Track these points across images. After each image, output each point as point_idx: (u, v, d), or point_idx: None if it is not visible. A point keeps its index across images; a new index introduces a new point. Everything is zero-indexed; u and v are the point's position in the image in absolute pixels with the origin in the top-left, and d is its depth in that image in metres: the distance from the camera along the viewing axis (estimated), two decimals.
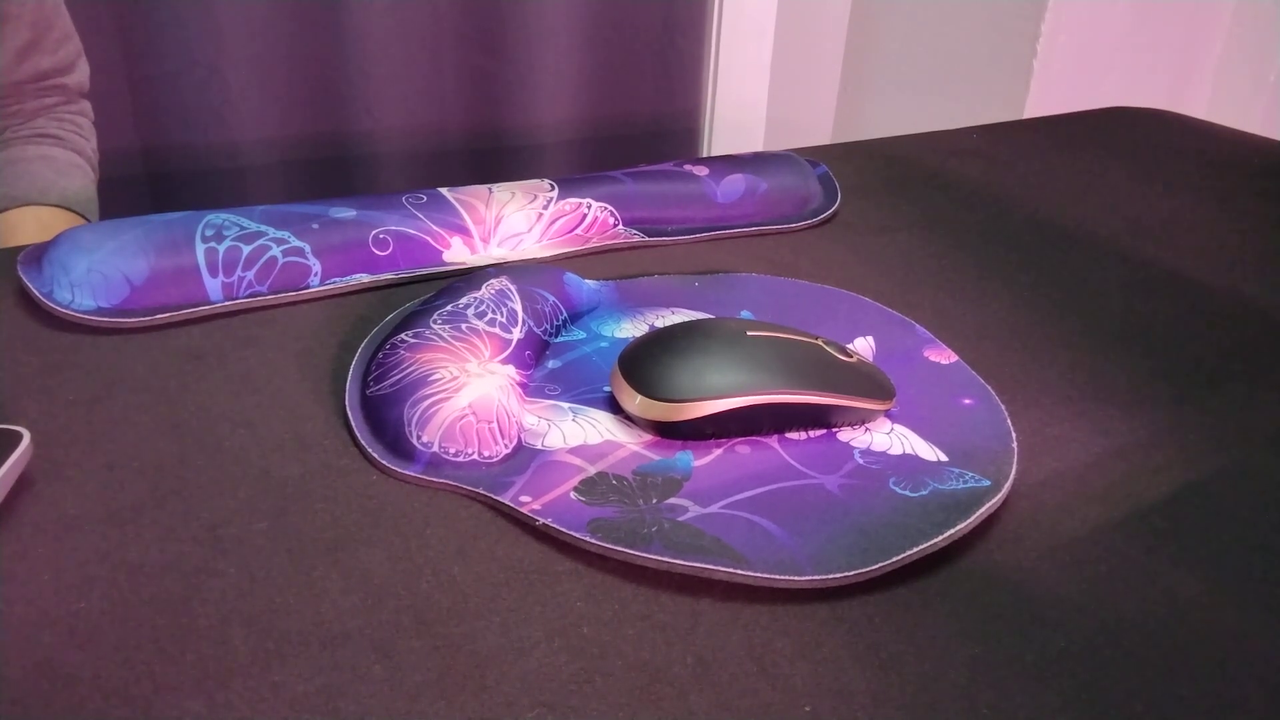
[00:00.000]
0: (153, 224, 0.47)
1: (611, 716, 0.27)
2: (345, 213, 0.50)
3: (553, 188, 0.55)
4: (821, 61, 1.48)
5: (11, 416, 0.38)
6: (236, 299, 0.47)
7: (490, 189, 0.55)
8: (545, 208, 0.54)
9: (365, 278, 0.49)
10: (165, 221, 0.47)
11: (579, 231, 0.55)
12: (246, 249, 0.47)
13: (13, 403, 0.39)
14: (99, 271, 0.45)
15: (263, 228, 0.48)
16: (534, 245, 0.54)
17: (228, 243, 0.47)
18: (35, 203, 0.70)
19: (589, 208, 0.55)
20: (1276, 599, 0.32)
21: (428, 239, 0.51)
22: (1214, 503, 0.37)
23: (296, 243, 0.48)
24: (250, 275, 0.47)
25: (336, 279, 0.49)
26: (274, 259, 0.47)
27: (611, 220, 0.56)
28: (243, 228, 0.47)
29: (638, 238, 0.56)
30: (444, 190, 0.54)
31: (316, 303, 0.48)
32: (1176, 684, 0.29)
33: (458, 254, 0.52)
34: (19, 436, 0.34)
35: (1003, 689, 0.29)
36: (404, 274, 0.50)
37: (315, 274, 0.48)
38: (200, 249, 0.46)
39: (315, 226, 0.49)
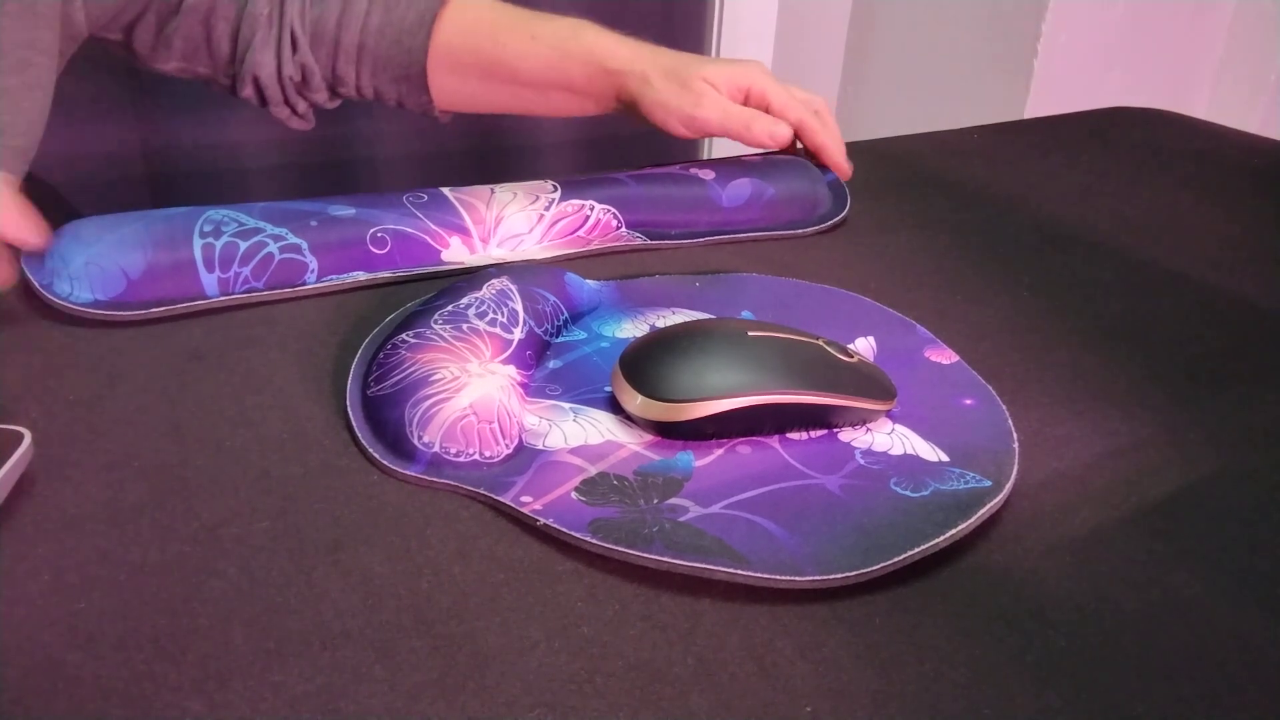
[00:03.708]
0: (153, 218, 0.47)
1: (611, 716, 0.27)
2: (344, 210, 0.50)
3: (555, 189, 0.55)
4: (821, 61, 1.48)
5: (12, 416, 0.38)
6: (232, 294, 0.47)
7: (492, 189, 0.55)
8: (547, 209, 0.54)
9: (362, 276, 0.49)
10: (165, 216, 0.47)
11: (580, 233, 0.55)
12: (243, 245, 0.47)
13: (13, 402, 0.39)
14: (97, 264, 0.45)
15: (261, 224, 0.48)
16: (534, 246, 0.54)
17: (225, 238, 0.47)
18: None
19: (591, 210, 0.55)
20: (1276, 599, 0.32)
21: (426, 238, 0.51)
22: (1214, 503, 0.37)
23: (293, 239, 0.48)
24: (246, 271, 0.47)
25: (333, 276, 0.49)
26: (270, 255, 0.47)
27: (614, 223, 0.56)
28: (241, 224, 0.47)
29: (640, 241, 0.56)
30: (445, 190, 0.54)
31: (317, 303, 0.48)
32: (1176, 684, 0.29)
33: (456, 254, 0.52)
34: (20, 437, 0.34)
35: (1003, 689, 0.29)
36: (401, 273, 0.50)
37: (312, 271, 0.48)
38: (198, 244, 0.46)
39: (313, 224, 0.49)
